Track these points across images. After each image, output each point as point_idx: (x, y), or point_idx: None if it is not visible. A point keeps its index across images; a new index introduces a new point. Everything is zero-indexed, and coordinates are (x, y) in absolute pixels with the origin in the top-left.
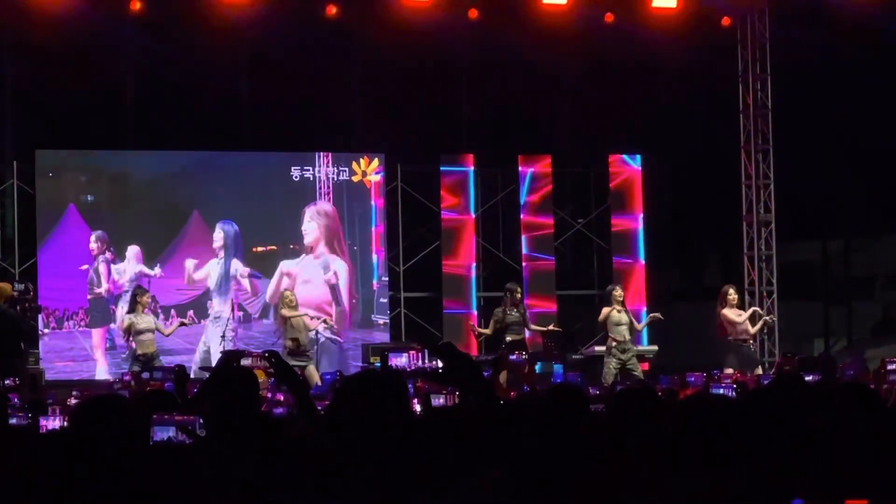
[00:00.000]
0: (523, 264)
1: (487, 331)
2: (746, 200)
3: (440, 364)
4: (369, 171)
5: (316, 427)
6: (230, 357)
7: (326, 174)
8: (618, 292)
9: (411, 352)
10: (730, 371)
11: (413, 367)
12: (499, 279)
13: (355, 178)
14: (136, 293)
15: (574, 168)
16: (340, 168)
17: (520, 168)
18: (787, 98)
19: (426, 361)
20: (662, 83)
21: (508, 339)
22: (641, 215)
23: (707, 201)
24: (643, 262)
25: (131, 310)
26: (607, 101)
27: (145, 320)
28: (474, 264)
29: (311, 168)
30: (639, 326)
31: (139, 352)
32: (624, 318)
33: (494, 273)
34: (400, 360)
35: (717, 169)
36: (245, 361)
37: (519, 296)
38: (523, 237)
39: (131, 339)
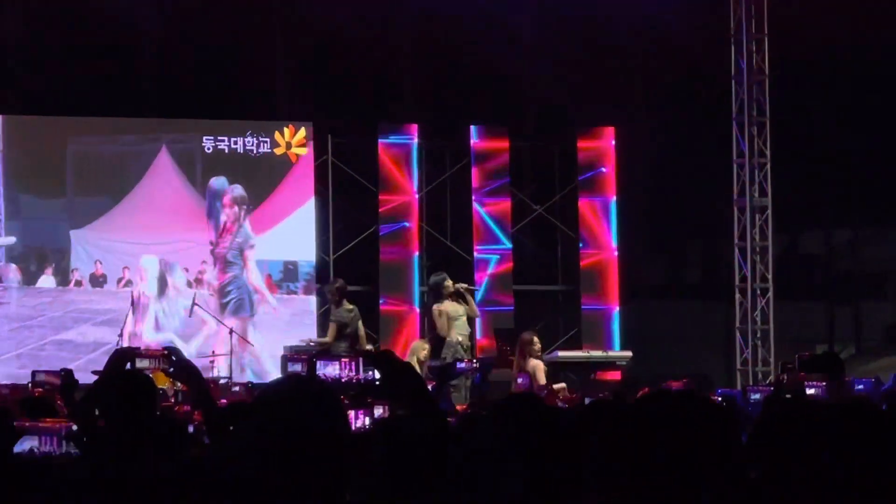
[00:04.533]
0: (474, 254)
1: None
2: (738, 182)
3: (377, 375)
4: (294, 142)
5: (219, 440)
6: (121, 357)
7: (244, 146)
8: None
9: (343, 359)
10: None
11: (345, 378)
12: (446, 271)
13: (278, 151)
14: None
15: (536, 142)
16: (261, 139)
17: (471, 141)
18: (786, 63)
19: (361, 371)
20: (640, 44)
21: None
22: (614, 199)
23: (691, 183)
24: (616, 253)
25: None
26: (575, 64)
27: None
28: (417, 253)
29: (225, 139)
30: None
31: None
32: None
33: (440, 263)
34: (329, 370)
35: (703, 145)
36: (141, 363)
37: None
38: (474, 222)
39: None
